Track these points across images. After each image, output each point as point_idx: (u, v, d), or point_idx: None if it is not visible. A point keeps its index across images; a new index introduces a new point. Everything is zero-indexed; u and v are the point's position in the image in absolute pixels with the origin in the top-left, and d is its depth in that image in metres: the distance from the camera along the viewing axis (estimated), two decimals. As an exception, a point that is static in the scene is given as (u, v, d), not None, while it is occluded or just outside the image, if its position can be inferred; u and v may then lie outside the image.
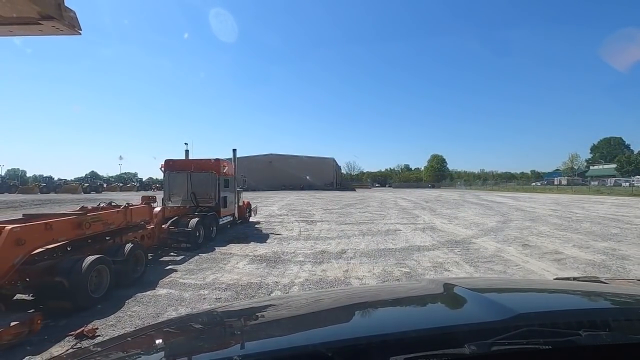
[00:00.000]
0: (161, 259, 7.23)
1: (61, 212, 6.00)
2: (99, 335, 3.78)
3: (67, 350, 3.44)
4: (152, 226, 7.24)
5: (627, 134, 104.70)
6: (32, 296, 4.70)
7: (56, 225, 4.63)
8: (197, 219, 8.40)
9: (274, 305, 1.48)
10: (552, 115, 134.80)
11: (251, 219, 13.34)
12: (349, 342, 0.78)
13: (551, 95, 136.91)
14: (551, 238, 9.13)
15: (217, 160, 10.27)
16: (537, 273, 5.93)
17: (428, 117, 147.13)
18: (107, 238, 5.85)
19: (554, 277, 5.46)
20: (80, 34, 3.40)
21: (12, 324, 3.45)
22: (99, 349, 0.98)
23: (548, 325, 0.80)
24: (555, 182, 61.19)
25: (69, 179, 58.84)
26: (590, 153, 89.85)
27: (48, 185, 44.17)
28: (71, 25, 3.23)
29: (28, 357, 3.37)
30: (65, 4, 3.06)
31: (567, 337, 0.75)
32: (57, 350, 3.48)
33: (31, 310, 4.18)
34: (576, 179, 64.61)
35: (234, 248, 8.31)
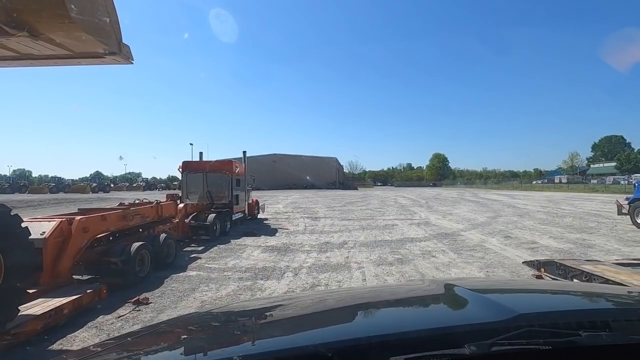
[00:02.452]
0: (185, 249, 8.25)
1: (107, 207, 7.03)
2: (151, 302, 4.80)
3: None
4: (177, 220, 8.27)
5: (629, 132, 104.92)
6: (86, 276, 5.73)
7: (109, 217, 5.67)
8: (214, 214, 9.43)
9: (275, 305, 1.50)
10: (556, 114, 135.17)
11: (259, 216, 14.35)
12: (349, 343, 0.79)
13: (555, 93, 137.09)
14: (532, 231, 10.10)
15: (229, 161, 11.30)
16: (510, 258, 6.90)
17: (431, 115, 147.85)
18: (140, 230, 6.87)
19: (523, 262, 6.44)
20: (132, 63, 4.57)
21: (88, 291, 4.49)
22: (99, 349, 0.99)
23: (548, 325, 0.80)
24: (556, 181, 61.83)
25: (74, 178, 60.13)
26: (592, 151, 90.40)
27: (57, 185, 45.52)
28: (126, 57, 4.40)
29: (101, 315, 4.40)
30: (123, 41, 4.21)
31: (567, 337, 0.76)
32: (122, 311, 4.50)
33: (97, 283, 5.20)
34: (577, 177, 65.19)
35: (247, 240, 9.33)
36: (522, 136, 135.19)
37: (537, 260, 6.01)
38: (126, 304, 4.73)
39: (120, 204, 7.24)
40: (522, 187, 49.73)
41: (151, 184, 56.81)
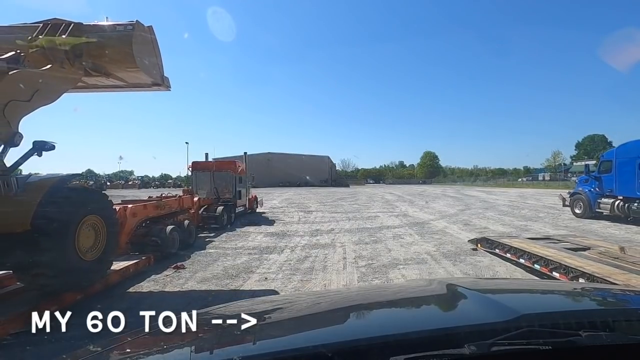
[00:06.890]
0: (199, 235, 9.95)
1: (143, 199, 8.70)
2: (186, 268, 6.51)
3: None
4: (193, 211, 9.97)
5: (611, 131, 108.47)
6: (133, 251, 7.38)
7: (148, 206, 7.37)
8: (222, 207, 11.16)
9: (275, 305, 1.53)
10: (548, 112, 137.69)
11: (258, 210, 16.08)
12: (349, 343, 0.81)
13: (546, 90, 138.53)
14: (490, 220, 12.06)
15: (233, 161, 13.03)
16: (461, 239, 8.79)
17: (424, 114, 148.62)
18: (164, 217, 8.53)
19: (468, 240, 8.32)
20: (170, 90, 6.47)
21: (143, 258, 6.19)
22: (98, 349, 1.00)
23: (548, 325, 0.82)
24: (540, 178, 64.58)
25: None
26: (575, 150, 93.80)
27: (55, 183, 46.43)
28: (167, 86, 6.29)
29: (153, 275, 6.09)
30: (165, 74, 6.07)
31: (567, 337, 0.77)
32: (167, 272, 6.20)
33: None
34: (559, 174, 68.09)
35: (250, 229, 11.08)
36: (515, 135, 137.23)
37: (475, 238, 7.97)
38: (168, 269, 6.45)
39: (150, 198, 8.89)
40: (505, 184, 52.25)
41: (146, 182, 57.92)
